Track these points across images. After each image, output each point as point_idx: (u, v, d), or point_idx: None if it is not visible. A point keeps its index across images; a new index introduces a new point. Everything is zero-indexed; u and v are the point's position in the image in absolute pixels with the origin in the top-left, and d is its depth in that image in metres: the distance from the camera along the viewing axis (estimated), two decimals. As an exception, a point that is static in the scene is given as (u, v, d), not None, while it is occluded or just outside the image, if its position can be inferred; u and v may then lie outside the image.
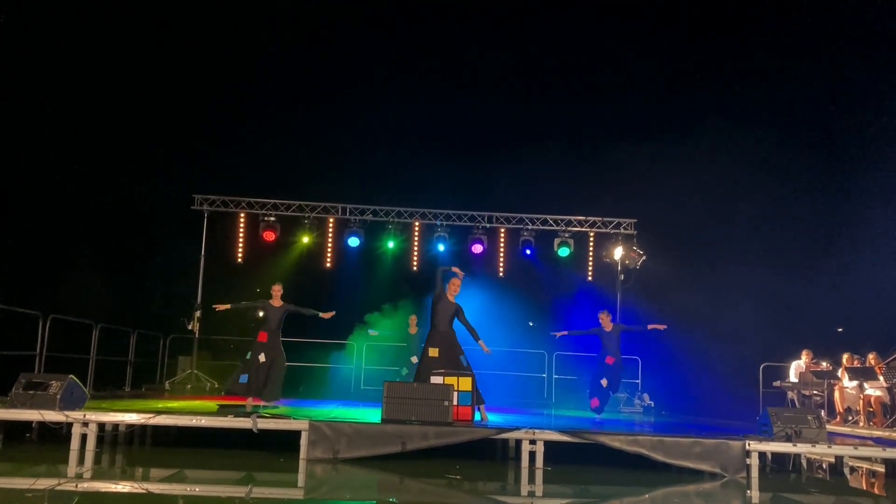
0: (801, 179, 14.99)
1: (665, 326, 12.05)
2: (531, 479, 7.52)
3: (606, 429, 8.93)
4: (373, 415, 9.03)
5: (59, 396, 7.97)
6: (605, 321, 12.01)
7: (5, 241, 13.04)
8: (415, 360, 12.89)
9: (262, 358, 10.34)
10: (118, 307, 14.02)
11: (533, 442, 7.97)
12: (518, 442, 8.20)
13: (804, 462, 9.13)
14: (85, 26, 14.22)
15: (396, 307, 15.06)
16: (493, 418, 9.71)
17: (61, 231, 13.90)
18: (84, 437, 7.86)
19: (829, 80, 15.63)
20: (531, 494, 6.97)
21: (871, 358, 12.14)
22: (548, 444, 7.99)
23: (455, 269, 9.92)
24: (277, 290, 10.75)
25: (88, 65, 14.38)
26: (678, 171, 15.24)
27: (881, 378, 11.78)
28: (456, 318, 9.78)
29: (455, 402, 8.56)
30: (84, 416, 7.90)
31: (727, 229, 15.98)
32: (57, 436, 8.13)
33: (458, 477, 7.43)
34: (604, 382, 11.77)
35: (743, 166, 15.35)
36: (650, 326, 12.06)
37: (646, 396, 14.46)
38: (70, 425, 7.87)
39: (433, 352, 9.59)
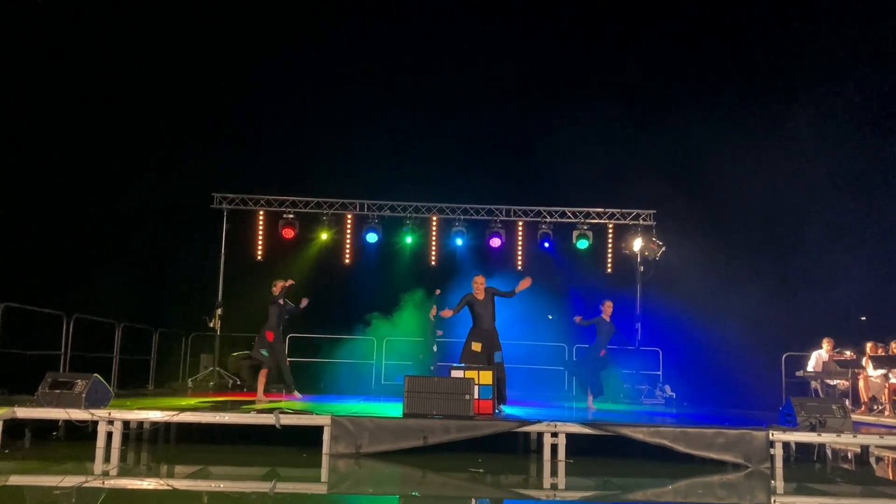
0: (822, 164, 14.79)
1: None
2: (554, 472, 7.51)
3: (628, 420, 8.90)
4: (394, 409, 9.05)
5: (84, 395, 8.06)
6: (607, 311, 11.92)
7: (29, 243, 13.21)
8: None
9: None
10: (140, 306, 14.16)
11: (555, 435, 7.97)
12: (540, 435, 8.19)
13: (829, 452, 9.05)
14: (104, 27, 14.33)
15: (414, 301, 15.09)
16: (515, 412, 9.71)
17: (83, 232, 14.04)
18: (109, 435, 7.94)
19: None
20: (554, 487, 6.97)
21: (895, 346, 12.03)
22: (570, 436, 7.98)
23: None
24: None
25: (106, 67, 14.49)
26: (696, 160, 15.14)
27: (906, 366, 11.67)
28: (496, 300, 10.09)
29: (476, 396, 8.58)
30: (109, 414, 7.98)
31: (746, 219, 15.86)
32: (83, 434, 8.22)
33: (480, 470, 7.43)
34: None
35: (759, 153, 15.22)
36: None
37: (667, 387, 14.39)
38: (96, 423, 7.96)
39: (476, 346, 9.78)
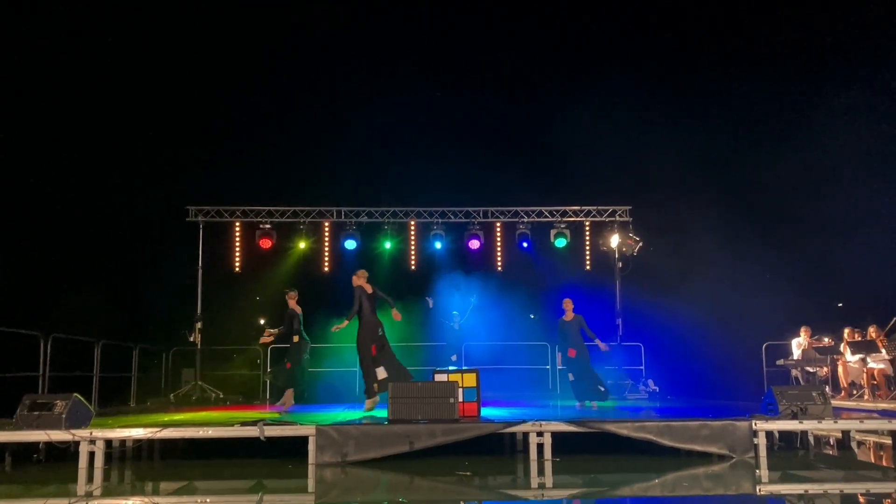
0: (798, 155, 14.96)
1: (606, 348, 11.83)
2: (541, 472, 7.53)
3: (613, 416, 8.94)
4: (379, 416, 9.03)
5: (64, 416, 7.94)
6: (568, 310, 11.67)
7: (1, 262, 13.01)
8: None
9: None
10: (119, 323, 14.01)
11: (540, 434, 7.98)
12: (525, 435, 8.21)
13: (811, 439, 9.16)
14: (75, 41, 14.17)
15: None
16: (499, 413, 9.72)
17: (58, 250, 13.87)
18: (92, 455, 7.84)
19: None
20: (541, 486, 6.98)
21: (872, 331, 12.19)
22: (555, 435, 8.00)
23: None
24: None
25: (78, 83, 14.34)
26: (669, 154, 15.25)
27: (883, 351, 11.83)
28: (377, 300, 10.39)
29: (460, 399, 8.58)
30: (90, 433, 7.88)
31: (722, 211, 15.99)
32: (65, 455, 8.11)
33: (467, 473, 7.43)
34: (570, 377, 11.76)
35: (733, 146, 15.37)
36: (598, 342, 11.63)
37: (650, 382, 14.48)
38: (77, 444, 7.85)
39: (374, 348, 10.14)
